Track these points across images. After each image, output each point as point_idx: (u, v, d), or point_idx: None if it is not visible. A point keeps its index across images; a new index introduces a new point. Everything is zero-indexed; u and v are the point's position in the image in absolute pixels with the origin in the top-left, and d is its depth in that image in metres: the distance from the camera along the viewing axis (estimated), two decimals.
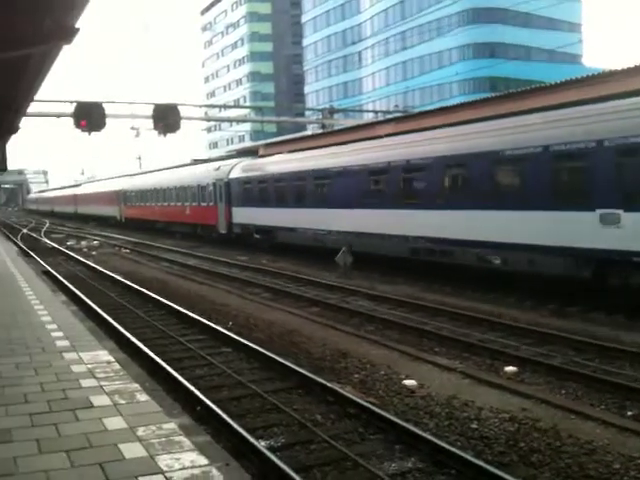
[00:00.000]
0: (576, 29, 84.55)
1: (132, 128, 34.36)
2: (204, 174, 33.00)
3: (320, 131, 38.05)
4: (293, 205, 23.61)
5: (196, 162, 46.97)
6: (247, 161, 30.48)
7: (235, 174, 29.08)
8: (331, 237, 20.94)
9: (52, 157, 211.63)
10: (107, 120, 30.02)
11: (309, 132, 44.00)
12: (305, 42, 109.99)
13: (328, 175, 21.44)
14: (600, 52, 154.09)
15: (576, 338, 10.34)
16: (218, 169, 30.99)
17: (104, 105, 30.00)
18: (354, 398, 7.41)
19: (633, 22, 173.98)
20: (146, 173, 52.09)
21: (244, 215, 27.84)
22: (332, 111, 43.01)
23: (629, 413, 7.31)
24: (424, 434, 6.34)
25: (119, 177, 60.18)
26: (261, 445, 6.15)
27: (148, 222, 42.68)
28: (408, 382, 8.40)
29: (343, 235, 20.18)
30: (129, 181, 50.20)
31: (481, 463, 5.67)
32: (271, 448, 6.24)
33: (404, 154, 17.87)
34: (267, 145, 38.73)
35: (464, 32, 77.59)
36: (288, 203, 23.96)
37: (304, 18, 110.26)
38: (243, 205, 27.93)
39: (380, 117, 40.92)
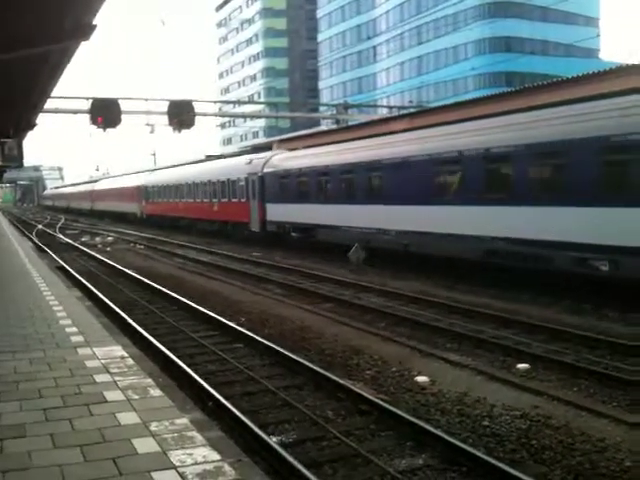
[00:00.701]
0: (593, 23, 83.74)
1: (147, 124, 34.52)
2: (234, 168, 31.13)
3: (334, 127, 38.01)
4: (338, 201, 21.65)
5: (219, 157, 45.86)
6: (284, 153, 28.25)
7: (270, 168, 26.89)
8: (383, 237, 18.97)
9: (67, 154, 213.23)
10: (122, 116, 30.20)
11: (324, 127, 43.99)
12: (320, 37, 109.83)
13: (383, 167, 19.17)
14: (618, 46, 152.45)
15: (589, 335, 10.28)
16: (250, 162, 28.99)
17: (120, 101, 30.18)
18: (365, 394, 7.42)
19: None
20: (169, 168, 50.15)
21: (280, 212, 25.78)
22: (346, 106, 42.89)
23: None
24: (435, 431, 6.35)
25: (139, 172, 58.60)
26: (273, 441, 6.19)
27: (171, 219, 41.19)
28: (420, 379, 8.40)
29: (399, 234, 18.36)
30: (150, 176, 48.50)
31: (492, 460, 5.66)
32: (283, 444, 6.28)
33: (482, 142, 15.55)
34: (281, 141, 38.78)
35: (480, 26, 77.10)
36: (332, 199, 22.09)
37: (319, 13, 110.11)
38: (279, 201, 25.86)
39: (395, 112, 40.76)
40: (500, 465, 5.55)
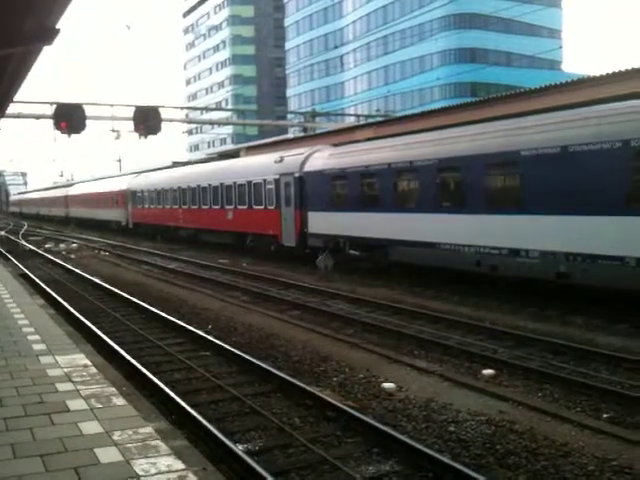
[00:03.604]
0: (556, 35, 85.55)
1: (112, 130, 34.16)
2: (258, 168, 25.13)
3: (301, 134, 38.07)
4: (433, 209, 15.89)
5: (221, 157, 40.08)
6: (332, 149, 22.01)
7: (315, 165, 21.18)
8: (518, 260, 13.47)
9: (30, 159, 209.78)
10: (87, 122, 29.83)
11: (290, 135, 44.09)
12: (288, 45, 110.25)
13: (526, 161, 13.24)
14: (579, 58, 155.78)
15: (554, 341, 10.43)
16: (281, 161, 23.24)
17: (84, 107, 29.80)
18: (332, 401, 7.41)
19: (612, 28, 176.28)
20: (163, 169, 43.35)
21: (330, 223, 20.07)
22: (314, 114, 43.06)
23: (604, 415, 7.38)
24: (401, 437, 6.36)
25: (124, 175, 53.31)
26: (239, 449, 6.13)
27: (166, 229, 35.27)
28: (387, 385, 8.42)
29: (548, 257, 12.85)
30: (140, 179, 41.63)
31: (458, 465, 5.69)
32: (249, 452, 6.22)
33: None
34: (249, 148, 38.71)
35: (446, 37, 78.24)
36: (422, 205, 16.28)
37: (287, 22, 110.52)
38: (329, 209, 20.16)
39: (362, 121, 41.02)
40: (465, 470, 5.58)
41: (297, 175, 21.82)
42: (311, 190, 21.12)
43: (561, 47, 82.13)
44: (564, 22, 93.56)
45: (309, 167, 21.39)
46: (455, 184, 15.71)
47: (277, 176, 23.06)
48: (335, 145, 23.03)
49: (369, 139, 22.96)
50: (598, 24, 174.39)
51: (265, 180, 23.89)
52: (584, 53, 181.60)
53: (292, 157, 22.88)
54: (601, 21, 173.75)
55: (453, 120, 20.13)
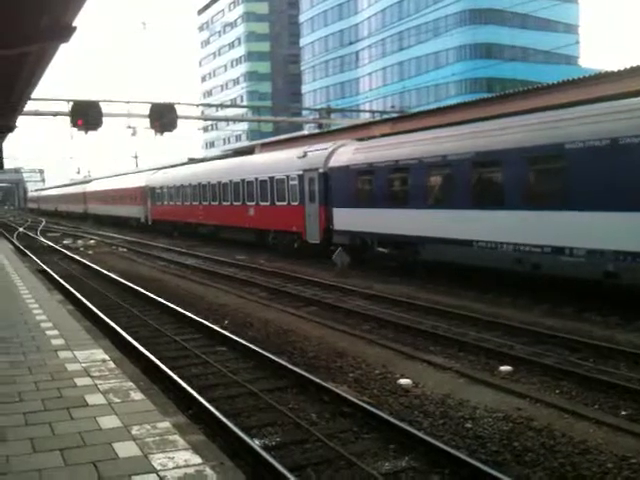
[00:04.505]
0: (573, 30, 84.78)
1: (128, 127, 34.39)
2: (282, 164, 24.71)
3: (316, 131, 38.03)
4: (468, 204, 15.16)
5: (236, 154, 39.62)
6: (358, 143, 21.46)
7: (341, 160, 20.66)
8: (562, 259, 12.78)
9: (48, 156, 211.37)
10: (104, 119, 30.05)
11: (306, 132, 44.03)
12: (302, 42, 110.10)
13: (573, 153, 12.55)
14: (597, 53, 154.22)
15: (571, 337, 10.36)
16: (305, 156, 22.85)
17: (101, 104, 30.03)
18: (349, 397, 7.41)
19: (630, 23, 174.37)
20: (182, 165, 43.18)
21: (357, 219, 19.55)
22: (329, 111, 43.06)
23: (623, 413, 7.32)
24: (418, 433, 6.35)
25: (143, 171, 52.71)
26: (255, 444, 6.15)
27: (186, 225, 34.96)
28: (403, 381, 8.41)
29: (595, 256, 12.20)
30: (159, 175, 41.17)
31: (475, 462, 5.67)
32: (266, 447, 6.24)
33: None
34: (264, 144, 38.77)
35: (461, 33, 77.80)
36: (457, 201, 15.52)
37: (301, 18, 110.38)
38: (355, 205, 19.62)
39: (377, 117, 40.95)
40: (482, 467, 5.56)
41: (322, 171, 21.40)
42: (336, 186, 20.65)
43: (578, 42, 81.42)
44: (581, 17, 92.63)
45: (334, 162, 20.92)
46: (493, 179, 15.11)
47: (300, 172, 22.67)
48: (360, 140, 22.45)
49: (386, 134, 22.84)
50: (615, 19, 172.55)
51: (288, 176, 23.51)
52: (601, 48, 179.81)
53: (316, 152, 22.49)
54: (618, 16, 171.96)
55: (471, 115, 20.00)
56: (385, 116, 36.62)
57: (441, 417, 7.16)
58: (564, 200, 12.78)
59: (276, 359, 9.12)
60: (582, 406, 7.55)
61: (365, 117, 49.67)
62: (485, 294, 14.74)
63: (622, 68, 16.90)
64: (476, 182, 15.19)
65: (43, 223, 56.36)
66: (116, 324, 11.66)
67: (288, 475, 5.39)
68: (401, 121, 26.86)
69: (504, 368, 9.03)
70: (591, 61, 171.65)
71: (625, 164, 11.54)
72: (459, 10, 77.48)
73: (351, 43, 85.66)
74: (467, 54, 79.38)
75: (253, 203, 26.55)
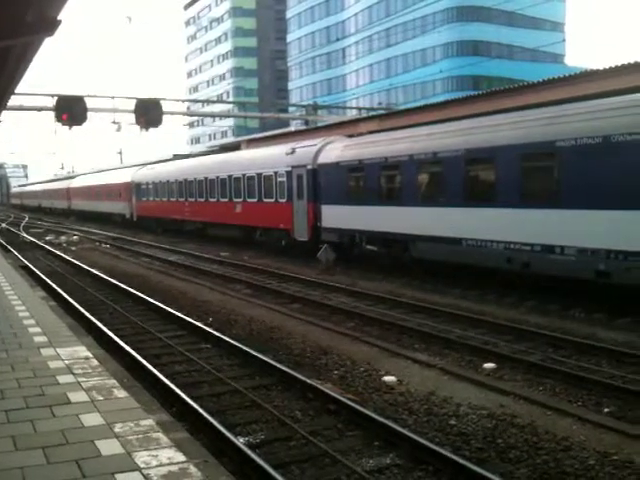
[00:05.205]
0: (559, 28, 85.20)
1: (113, 122, 34.09)
2: (270, 160, 24.41)
3: (303, 127, 37.99)
4: (458, 202, 15.03)
5: (223, 150, 39.63)
6: (354, 139, 21.39)
7: (329, 157, 20.45)
8: (552, 257, 12.69)
9: (31, 152, 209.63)
10: (88, 114, 29.77)
11: (292, 128, 43.97)
12: (289, 38, 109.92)
13: (567, 151, 12.45)
14: (582, 51, 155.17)
15: (554, 335, 10.43)
16: (293, 152, 22.65)
17: (86, 99, 29.75)
18: (333, 394, 7.41)
19: (616, 22, 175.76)
20: (167, 161, 42.66)
21: (346, 217, 19.37)
22: (316, 107, 42.95)
23: (605, 410, 7.38)
24: (402, 430, 6.36)
25: (127, 167, 52.25)
26: (240, 442, 6.14)
27: (171, 222, 34.84)
28: (388, 378, 8.43)
29: (585, 255, 12.08)
30: (144, 171, 40.74)
31: (459, 459, 5.69)
32: (250, 445, 6.23)
33: None
34: (250, 140, 38.65)
35: (448, 30, 77.97)
36: (447, 199, 15.39)
37: (288, 14, 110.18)
38: (344, 202, 19.39)
39: (364, 114, 40.90)
40: (466, 464, 5.58)
41: (310, 167, 21.19)
42: (325, 183, 20.48)
43: (564, 40, 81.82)
44: (567, 15, 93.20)
45: (323, 159, 20.73)
46: (483, 176, 15.04)
47: (289, 168, 22.44)
48: (349, 136, 22.51)
49: (374, 131, 22.90)
50: (601, 17, 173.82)
51: (276, 172, 23.27)
52: (587, 46, 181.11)
53: (305, 149, 22.25)
54: (604, 14, 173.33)
55: (458, 113, 20.08)
56: (372, 113, 36.60)
57: (425, 414, 7.18)
58: (555, 198, 12.72)
59: (261, 356, 9.11)
60: (565, 403, 7.61)
61: (352, 114, 49.63)
62: (471, 291, 14.81)
63: (611, 66, 16.97)
64: (466, 179, 15.08)
65: (26, 219, 55.89)
66: (99, 321, 11.59)
67: (272, 472, 5.38)
68: (388, 118, 26.87)
69: (488, 365, 9.07)
70: (577, 59, 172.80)
71: (616, 162, 11.48)
72: (446, 7, 77.71)
73: (338, 39, 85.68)
74: (454, 51, 79.61)
75: (240, 200, 26.31)
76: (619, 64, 16.71)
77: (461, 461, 5.64)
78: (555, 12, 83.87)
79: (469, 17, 77.35)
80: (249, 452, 5.78)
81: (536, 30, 79.91)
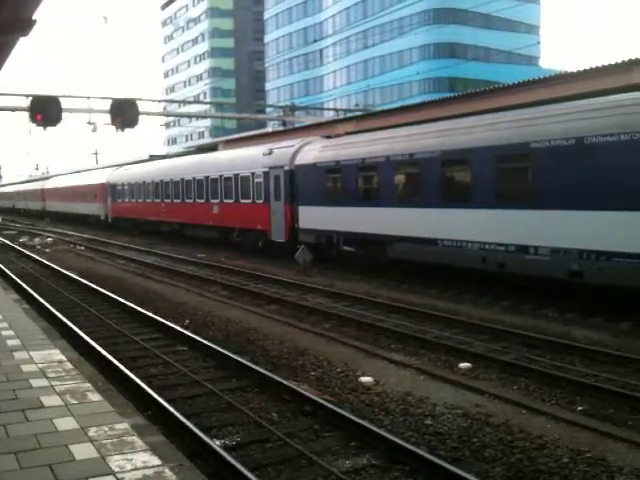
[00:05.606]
0: (534, 31, 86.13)
1: (89, 123, 33.75)
2: (247, 161, 24.32)
3: (281, 128, 37.95)
4: (435, 203, 15.17)
5: (200, 150, 39.65)
6: (332, 140, 21.18)
7: (307, 158, 20.45)
8: (526, 257, 12.88)
9: (5, 153, 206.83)
10: (63, 114, 29.45)
11: (270, 129, 43.88)
12: (267, 39, 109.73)
13: (541, 153, 12.59)
14: (557, 54, 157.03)
15: (529, 334, 10.54)
16: (271, 153, 22.55)
17: (61, 99, 29.42)
18: (310, 396, 7.41)
19: (590, 25, 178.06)
20: (143, 162, 42.24)
21: (323, 218, 19.38)
22: (293, 108, 42.90)
23: (579, 408, 7.48)
24: (379, 431, 6.39)
25: (102, 168, 51.66)
26: (216, 444, 6.11)
27: (147, 223, 34.51)
28: (364, 379, 8.45)
29: (559, 255, 12.25)
30: (120, 172, 40.42)
31: (434, 459, 5.73)
32: (226, 447, 6.20)
33: None
34: (228, 141, 38.52)
35: (425, 32, 78.41)
36: (424, 200, 15.48)
37: (266, 15, 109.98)
38: (322, 203, 19.43)
39: (341, 115, 40.98)
40: (442, 463, 5.62)
41: (287, 168, 21.16)
42: (303, 184, 20.47)
43: (539, 43, 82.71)
44: (542, 18, 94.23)
45: (300, 160, 20.75)
46: (459, 177, 15.17)
47: (266, 169, 22.39)
48: (328, 137, 22.45)
49: (351, 132, 22.97)
50: (576, 20, 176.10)
51: (253, 173, 23.23)
52: (561, 49, 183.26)
53: (282, 149, 22.20)
54: (579, 17, 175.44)
55: (435, 114, 20.19)
56: (349, 114, 36.69)
57: (402, 414, 7.21)
58: (529, 199, 12.87)
59: (237, 358, 9.08)
60: (539, 402, 7.69)
61: (329, 115, 49.72)
62: (447, 292, 14.91)
63: (585, 68, 17.20)
64: (442, 180, 15.20)
65: None
66: (73, 324, 11.46)
67: (248, 475, 5.37)
68: (365, 119, 26.95)
69: (464, 365, 9.14)
70: (551, 62, 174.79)
71: (589, 163, 11.66)
72: (423, 9, 78.09)
73: (315, 41, 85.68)
74: (431, 53, 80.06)
75: (217, 201, 26.22)
76: (591, 67, 16.94)
77: (436, 460, 5.68)
78: (530, 15, 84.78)
79: (446, 19, 77.79)
80: (225, 455, 5.76)
81: (512, 33, 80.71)
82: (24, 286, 15.80)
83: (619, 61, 16.21)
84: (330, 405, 7.10)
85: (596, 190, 11.58)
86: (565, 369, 8.82)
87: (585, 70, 17.10)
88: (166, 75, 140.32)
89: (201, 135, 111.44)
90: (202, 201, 27.61)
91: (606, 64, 16.56)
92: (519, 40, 72.06)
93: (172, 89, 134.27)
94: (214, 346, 9.77)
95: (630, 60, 15.90)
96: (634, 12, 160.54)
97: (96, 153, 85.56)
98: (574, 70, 17.90)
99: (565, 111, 12.68)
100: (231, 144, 36.61)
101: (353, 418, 6.70)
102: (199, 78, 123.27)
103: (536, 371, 8.69)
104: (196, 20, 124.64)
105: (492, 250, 13.65)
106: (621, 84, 14.63)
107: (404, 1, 72.51)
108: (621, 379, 8.31)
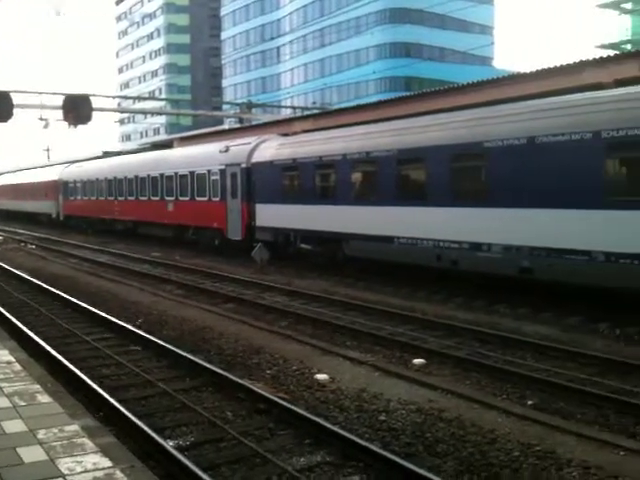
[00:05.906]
0: (488, 32, 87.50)
1: (41, 119, 32.99)
2: (203, 158, 24.12)
3: (237, 125, 37.74)
4: (391, 201, 15.29)
5: (155, 147, 39.16)
6: (282, 138, 21.60)
7: (264, 156, 20.41)
8: (479, 254, 13.06)
9: None
10: (15, 110, 28.72)
11: (226, 126, 43.60)
12: (223, 35, 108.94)
13: (494, 152, 12.80)
14: (510, 54, 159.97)
15: (481, 330, 10.73)
16: (227, 151, 22.38)
17: (11, 95, 28.69)
18: (264, 394, 7.40)
19: (542, 26, 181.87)
20: (97, 158, 41.70)
21: (280, 216, 19.35)
22: (250, 106, 42.71)
23: (529, 402, 7.64)
24: (333, 427, 6.41)
25: (54, 165, 50.35)
26: (169, 445, 6.05)
27: (100, 221, 33.93)
28: (320, 376, 8.47)
29: (511, 252, 12.44)
30: (72, 169, 39.52)
31: (387, 454, 5.78)
32: (179, 447, 6.14)
33: None
34: (183, 138, 38.13)
35: (381, 31, 78.90)
36: (380, 198, 15.65)
37: (223, 11, 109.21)
38: (279, 201, 19.41)
39: (298, 113, 40.97)
40: (395, 459, 5.67)
41: (244, 166, 21.06)
42: (259, 181, 20.42)
43: (493, 43, 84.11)
44: (496, 19, 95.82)
45: (257, 157, 20.70)
46: (414, 175, 15.38)
47: (223, 166, 22.25)
48: (284, 135, 22.51)
49: (308, 130, 23.00)
50: (529, 21, 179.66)
51: (209, 171, 23.07)
52: (514, 49, 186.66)
53: (239, 147, 22.08)
54: (532, 18, 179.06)
55: (391, 113, 20.34)
56: (307, 112, 36.71)
57: (356, 411, 7.26)
58: (482, 197, 13.08)
59: (191, 357, 9.00)
60: (491, 396, 7.82)
61: (286, 113, 49.63)
62: (402, 289, 15.05)
63: (537, 69, 17.53)
64: (398, 179, 15.35)
65: None
66: (23, 324, 11.20)
67: (201, 475, 5.32)
68: (323, 117, 27.01)
69: (417, 361, 9.25)
70: (505, 62, 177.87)
71: (541, 162, 11.88)
72: (380, 9, 78.57)
73: (273, 38, 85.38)
74: (387, 53, 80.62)
75: (172, 198, 25.92)
76: (542, 68, 17.28)
77: (390, 456, 5.73)
78: (485, 16, 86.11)
79: (401, 19, 78.43)
80: (178, 455, 5.71)
81: (466, 33, 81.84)
82: None
83: (571, 62, 16.58)
84: (284, 403, 7.10)
85: (547, 189, 11.84)
86: (516, 364, 8.99)
87: (537, 71, 17.43)
88: (120, 71, 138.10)
89: (156, 132, 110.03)
90: (157, 199, 27.24)
91: (558, 65, 16.92)
92: (473, 41, 73.11)
93: (127, 85, 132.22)
94: (167, 345, 9.67)
95: (582, 61, 16.30)
96: (585, 13, 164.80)
97: (48, 150, 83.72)
98: (526, 71, 18.25)
99: (518, 111, 12.93)
100: (186, 141, 36.26)
101: (307, 415, 6.71)
102: (154, 74, 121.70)
103: (488, 366, 8.85)
104: (151, 15, 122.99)
105: (446, 248, 13.83)
106: (573, 84, 14.96)
107: (360, 0, 72.82)
108: (570, 373, 8.52)
